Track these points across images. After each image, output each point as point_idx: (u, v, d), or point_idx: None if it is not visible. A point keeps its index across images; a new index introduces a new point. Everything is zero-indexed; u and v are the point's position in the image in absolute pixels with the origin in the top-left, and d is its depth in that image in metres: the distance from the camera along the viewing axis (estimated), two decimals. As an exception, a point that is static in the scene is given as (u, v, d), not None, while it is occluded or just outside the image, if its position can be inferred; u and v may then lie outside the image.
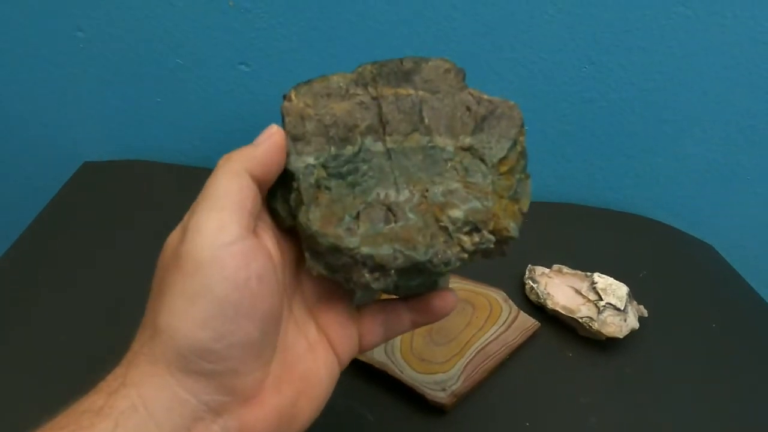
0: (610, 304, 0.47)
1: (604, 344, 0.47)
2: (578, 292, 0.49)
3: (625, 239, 0.61)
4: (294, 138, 0.26)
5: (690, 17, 0.54)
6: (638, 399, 0.43)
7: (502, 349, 0.44)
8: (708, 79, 0.58)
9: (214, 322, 0.22)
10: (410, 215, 0.25)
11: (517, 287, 0.52)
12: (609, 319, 0.46)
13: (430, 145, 0.27)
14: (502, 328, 0.46)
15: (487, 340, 0.44)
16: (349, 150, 0.27)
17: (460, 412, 0.40)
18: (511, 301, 0.49)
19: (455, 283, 0.49)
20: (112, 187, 0.60)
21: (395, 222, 0.25)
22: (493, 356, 0.43)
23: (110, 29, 0.58)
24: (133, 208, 0.57)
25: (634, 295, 0.50)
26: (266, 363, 0.24)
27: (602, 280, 0.49)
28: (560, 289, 0.50)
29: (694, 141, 0.62)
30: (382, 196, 0.26)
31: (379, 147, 0.27)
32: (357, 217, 0.25)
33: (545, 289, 0.50)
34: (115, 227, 0.54)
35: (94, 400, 0.21)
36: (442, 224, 0.25)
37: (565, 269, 0.52)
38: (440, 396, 0.39)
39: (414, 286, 0.27)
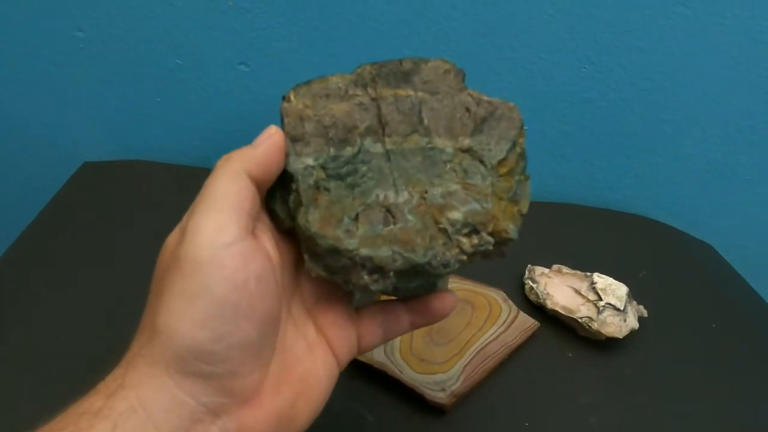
0: (610, 304, 0.47)
1: (604, 344, 0.47)
2: (578, 292, 0.49)
3: (624, 239, 0.61)
4: (293, 139, 0.26)
5: (689, 17, 0.54)
6: (638, 399, 0.43)
7: (502, 349, 0.44)
8: (707, 79, 0.58)
9: (212, 323, 0.22)
10: (409, 217, 0.25)
11: (517, 287, 0.52)
12: (609, 319, 0.46)
13: (429, 146, 0.27)
14: (502, 329, 0.46)
15: (486, 340, 0.44)
16: (349, 151, 0.26)
17: (460, 413, 0.40)
18: (510, 301, 0.49)
19: (455, 283, 0.49)
20: (112, 187, 0.60)
21: (394, 224, 0.25)
22: (492, 356, 0.43)
23: (110, 29, 0.58)
24: (133, 208, 0.57)
25: (634, 295, 0.50)
26: (265, 364, 0.24)
27: (602, 280, 0.49)
28: (560, 289, 0.50)
29: (694, 141, 0.62)
30: (381, 197, 0.26)
31: (378, 148, 0.27)
32: (356, 218, 0.25)
33: (545, 289, 0.50)
34: (114, 227, 0.54)
35: (92, 401, 0.21)
36: (441, 226, 0.25)
37: (565, 269, 0.52)
38: (440, 396, 0.39)
39: (413, 288, 0.27)
